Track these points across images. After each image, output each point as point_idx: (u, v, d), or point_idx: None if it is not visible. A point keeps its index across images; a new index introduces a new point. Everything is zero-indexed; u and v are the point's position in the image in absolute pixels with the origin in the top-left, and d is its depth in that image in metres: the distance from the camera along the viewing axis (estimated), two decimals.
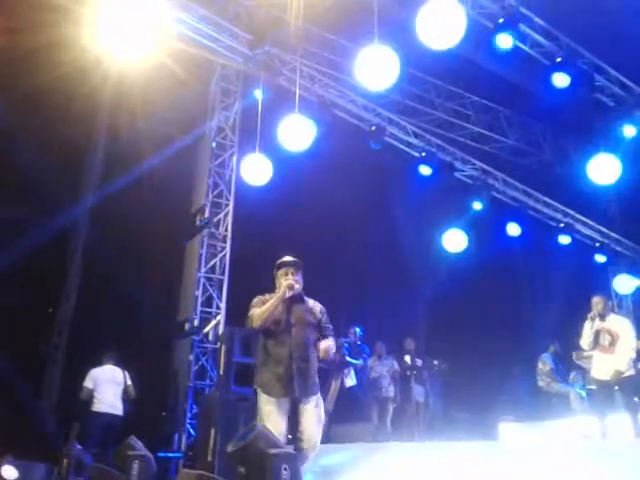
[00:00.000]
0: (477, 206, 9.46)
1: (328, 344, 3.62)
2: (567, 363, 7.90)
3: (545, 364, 8.09)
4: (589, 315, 5.81)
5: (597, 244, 10.35)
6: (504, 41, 6.58)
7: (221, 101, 9.08)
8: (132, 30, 5.93)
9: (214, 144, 8.84)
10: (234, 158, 8.78)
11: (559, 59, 6.91)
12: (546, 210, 9.95)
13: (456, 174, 9.32)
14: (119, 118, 8.77)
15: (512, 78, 8.30)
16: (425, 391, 8.17)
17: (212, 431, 6.16)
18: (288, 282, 3.64)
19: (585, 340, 5.83)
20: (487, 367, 8.54)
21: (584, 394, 7.59)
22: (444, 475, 4.53)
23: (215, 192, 8.68)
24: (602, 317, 5.78)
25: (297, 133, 6.76)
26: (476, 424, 7.67)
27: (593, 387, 6.29)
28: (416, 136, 8.97)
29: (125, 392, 6.88)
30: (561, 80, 6.96)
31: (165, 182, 8.47)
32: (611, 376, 5.57)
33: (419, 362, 8.04)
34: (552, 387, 8.10)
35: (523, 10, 6.55)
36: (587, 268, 10.48)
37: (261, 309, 3.61)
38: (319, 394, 3.73)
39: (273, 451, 2.84)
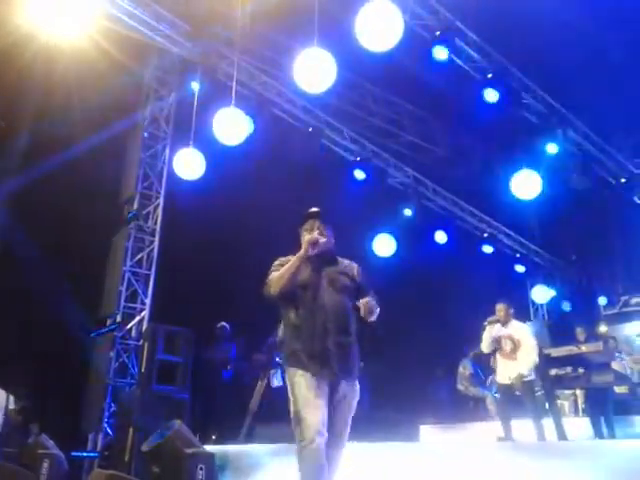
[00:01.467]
0: (407, 213, 9.71)
1: (369, 300, 2.93)
2: (486, 368, 8.21)
3: (465, 368, 8.37)
4: (489, 320, 6.05)
5: (517, 255, 10.85)
6: (440, 53, 6.78)
7: (156, 91, 8.83)
8: (65, 9, 5.68)
9: (146, 134, 8.58)
10: (167, 150, 8.56)
11: (490, 75, 7.18)
12: (472, 220, 10.32)
13: (389, 180, 9.51)
14: (49, 100, 8.35)
15: (446, 90, 8.55)
16: None
17: (130, 430, 5.97)
18: (310, 237, 2.99)
19: (485, 344, 6.08)
20: (411, 369, 8.74)
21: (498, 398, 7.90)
22: (363, 475, 4.58)
23: (145, 184, 8.43)
24: (504, 323, 6.02)
25: (232, 127, 6.67)
26: (399, 425, 7.82)
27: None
28: (352, 141, 9.09)
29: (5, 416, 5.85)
30: (491, 96, 7.24)
31: (93, 170, 8.12)
32: (513, 381, 5.82)
33: None
34: (470, 391, 8.40)
35: (459, 24, 6.76)
36: (507, 277, 10.96)
37: (279, 272, 2.98)
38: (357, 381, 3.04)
39: (189, 450, 2.79)
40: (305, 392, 2.79)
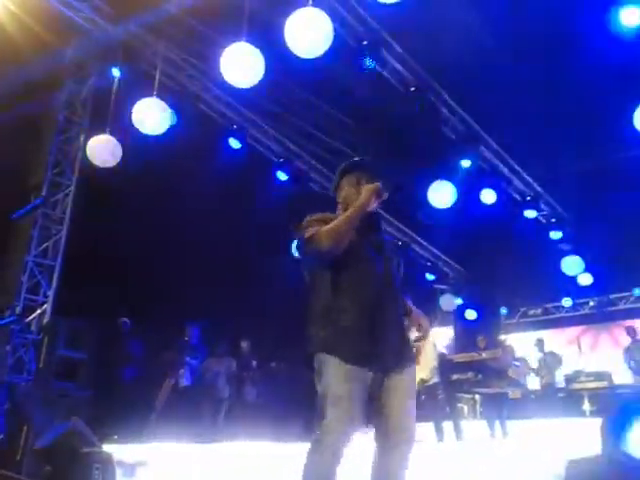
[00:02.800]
0: None
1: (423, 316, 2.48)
2: None
3: None
4: None
5: (429, 263, 11.26)
6: (366, 63, 6.93)
7: (74, 73, 8.41)
8: None
9: (61, 118, 8.16)
10: (81, 136, 8.16)
11: (413, 88, 7.43)
12: (388, 228, 10.61)
13: (311, 184, 9.59)
14: None
15: (372, 99, 8.73)
16: (258, 392, 8.25)
17: (24, 428, 5.65)
18: (376, 185, 2.43)
19: None
20: None
21: None
22: (268, 475, 4.59)
23: (56, 170, 8.00)
24: (408, 329, 6.28)
25: (153, 117, 6.48)
26: (307, 425, 7.88)
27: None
28: (276, 141, 9.09)
29: None
30: (412, 109, 7.50)
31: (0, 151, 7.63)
32: (417, 385, 6.07)
33: (254, 363, 8.11)
34: None
35: (386, 36, 6.94)
36: (419, 285, 11.35)
37: (333, 224, 2.36)
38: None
39: (85, 449, 2.68)
40: (337, 389, 2.24)
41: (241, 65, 5.30)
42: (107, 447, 4.36)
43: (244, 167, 8.60)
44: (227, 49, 5.33)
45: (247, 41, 5.73)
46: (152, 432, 6.81)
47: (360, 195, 2.44)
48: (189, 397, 7.53)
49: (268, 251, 8.84)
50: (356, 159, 2.70)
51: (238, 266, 8.79)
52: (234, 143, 8.49)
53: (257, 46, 5.69)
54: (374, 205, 2.43)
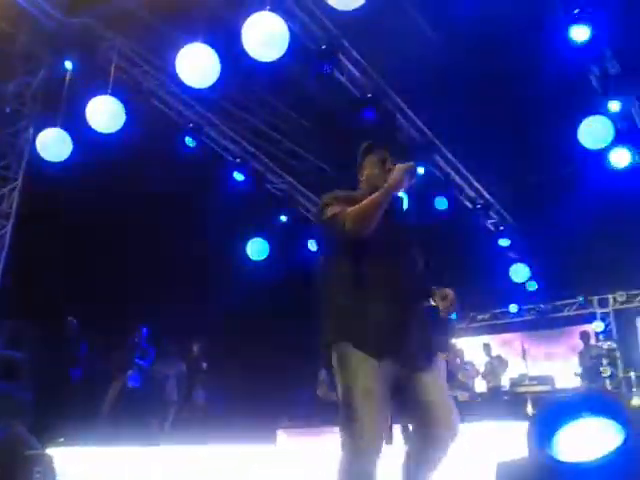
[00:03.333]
0: (283, 219, 9.85)
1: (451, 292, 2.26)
2: None
3: (323, 374, 8.61)
4: None
5: None
6: (325, 67, 6.98)
7: (25, 63, 8.13)
8: None
9: (8, 110, 7.88)
10: (30, 129, 7.90)
11: (369, 95, 7.52)
12: None
13: (267, 185, 9.57)
14: None
15: (329, 103, 8.79)
16: (208, 395, 8.17)
17: None
18: (410, 164, 2.24)
19: None
20: (273, 373, 8.81)
21: None
22: (219, 478, 4.56)
23: (2, 163, 7.74)
24: None
25: (106, 114, 6.35)
26: (256, 428, 7.85)
27: None
28: (233, 142, 9.03)
29: None
30: (369, 115, 7.59)
31: None
32: None
33: (205, 365, 8.03)
34: (329, 396, 8.66)
35: (344, 42, 7.01)
36: None
37: (360, 206, 2.19)
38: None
39: (24, 452, 2.60)
40: (366, 382, 2.06)
41: (196, 66, 5.27)
42: (51, 450, 4.23)
43: (200, 166, 8.52)
44: (182, 49, 5.30)
45: (204, 40, 5.71)
46: (98, 435, 6.65)
47: (389, 175, 2.24)
48: (137, 399, 7.39)
49: (221, 251, 8.78)
50: (380, 137, 2.59)
51: (190, 266, 8.69)
52: (190, 142, 8.38)
53: (216, 45, 5.67)
54: (404, 186, 2.21)
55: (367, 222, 2.17)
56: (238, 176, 9.02)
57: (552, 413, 1.25)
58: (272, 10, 5.42)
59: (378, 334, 2.11)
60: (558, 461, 1.16)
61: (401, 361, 2.13)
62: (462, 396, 7.59)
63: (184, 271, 8.45)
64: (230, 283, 8.35)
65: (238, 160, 8.99)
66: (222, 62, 5.79)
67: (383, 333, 2.11)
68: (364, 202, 2.20)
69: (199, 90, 7.19)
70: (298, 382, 9.09)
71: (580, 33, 6.08)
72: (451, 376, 7.33)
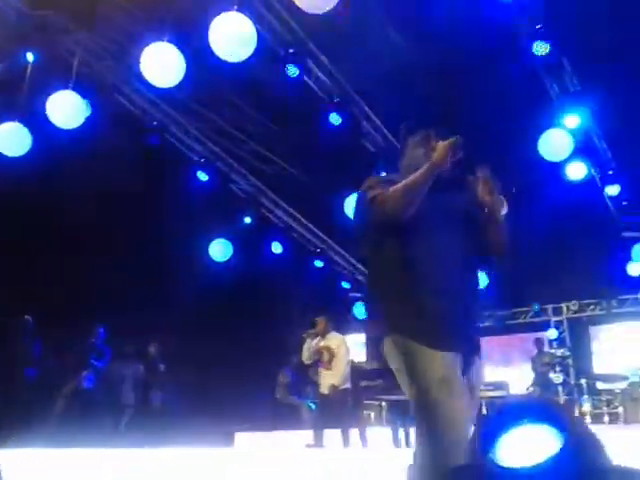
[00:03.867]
0: (247, 220, 9.82)
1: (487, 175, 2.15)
2: (304, 377, 8.52)
3: (285, 377, 8.63)
4: (308, 332, 6.41)
5: (345, 272, 11.48)
6: (292, 70, 6.99)
7: None
8: None
9: None
10: None
11: (337, 100, 7.57)
12: (308, 235, 10.72)
13: (231, 186, 9.52)
14: None
15: (296, 107, 8.80)
16: (165, 397, 8.07)
17: None
18: (453, 139, 2.07)
19: (305, 355, 6.42)
20: (231, 375, 8.76)
21: (313, 407, 8.27)
22: None
23: None
24: (322, 335, 6.41)
25: (67, 110, 6.21)
26: (214, 431, 7.79)
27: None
28: (198, 141, 8.95)
29: None
30: (335, 119, 7.64)
31: None
32: (328, 390, 6.18)
33: (162, 367, 7.92)
34: (287, 399, 8.67)
35: (312, 46, 7.04)
36: (335, 291, 11.53)
37: (401, 185, 2.05)
38: None
39: None
40: (440, 371, 1.92)
41: (161, 65, 5.21)
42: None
43: (163, 165, 8.41)
44: (147, 48, 5.24)
45: (171, 38, 5.65)
46: (50, 436, 6.49)
47: (434, 153, 2.06)
48: (91, 400, 7.24)
49: (183, 252, 8.68)
50: (423, 114, 2.40)
51: (150, 267, 8.56)
52: (154, 140, 8.27)
53: (183, 43, 5.62)
54: (448, 163, 2.05)
55: (408, 202, 2.02)
56: (202, 176, 8.94)
57: (494, 419, 1.28)
58: (240, 11, 5.42)
59: (434, 331, 1.97)
60: (499, 466, 1.20)
61: (460, 349, 2.00)
62: None
63: (143, 271, 8.32)
64: (191, 284, 8.27)
65: (203, 160, 8.91)
66: (189, 61, 5.75)
67: (437, 330, 1.97)
68: (405, 181, 2.04)
69: (165, 88, 7.12)
70: (257, 384, 9.06)
71: (541, 48, 6.26)
72: None
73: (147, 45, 5.47)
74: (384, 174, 2.25)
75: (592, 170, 7.75)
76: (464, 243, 2.13)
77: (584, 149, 7.64)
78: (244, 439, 8.53)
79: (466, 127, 7.14)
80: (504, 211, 2.19)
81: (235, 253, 9.68)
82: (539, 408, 1.26)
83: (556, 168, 7.68)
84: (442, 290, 2.00)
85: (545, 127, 7.06)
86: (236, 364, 8.87)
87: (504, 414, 1.29)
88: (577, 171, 7.62)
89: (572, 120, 7.10)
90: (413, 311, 2.00)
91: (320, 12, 5.78)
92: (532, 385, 9.14)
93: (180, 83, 5.95)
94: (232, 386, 8.66)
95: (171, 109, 8.53)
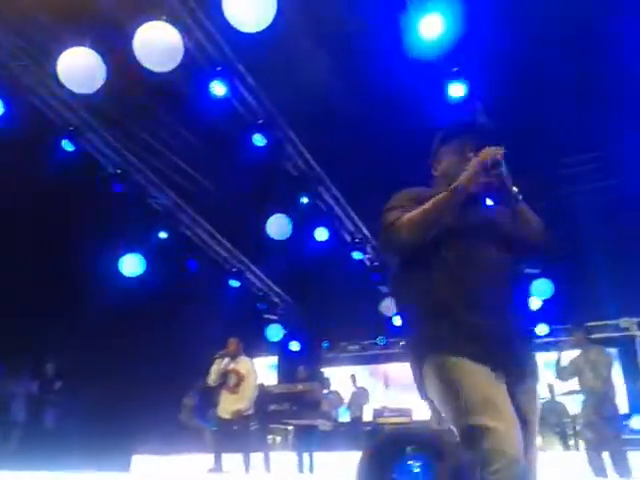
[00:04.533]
0: (162, 235, 9.58)
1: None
2: (210, 400, 8.32)
3: (190, 399, 8.41)
4: (219, 353, 6.27)
5: (260, 293, 11.42)
6: (218, 88, 6.98)
7: None
8: None
9: None
10: None
11: (261, 121, 7.62)
12: (225, 254, 10.60)
13: (148, 200, 9.28)
14: None
15: (221, 125, 8.75)
16: (59, 416, 7.63)
17: None
18: (486, 153, 1.82)
19: (213, 377, 6.26)
20: (133, 396, 8.42)
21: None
22: None
23: None
24: (233, 357, 6.30)
25: None
26: (110, 454, 7.43)
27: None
28: (116, 151, 8.67)
29: None
30: (259, 140, 7.68)
31: None
32: (232, 415, 6.06)
33: (58, 385, 7.50)
34: (191, 422, 8.44)
35: (239, 66, 7.07)
36: (249, 312, 11.42)
37: (418, 211, 1.90)
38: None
39: None
40: (484, 387, 1.73)
41: (80, 70, 5.04)
42: None
43: (76, 173, 8.06)
44: (66, 52, 5.06)
45: (93, 44, 5.50)
46: None
47: (467, 166, 1.87)
48: None
49: (91, 265, 8.31)
50: (458, 121, 2.16)
51: (53, 281, 8.11)
52: (67, 145, 7.94)
53: (106, 49, 5.47)
54: (480, 184, 1.82)
55: (424, 232, 1.89)
56: (118, 187, 8.65)
57: (380, 447, 1.33)
58: (168, 22, 5.36)
59: (470, 345, 1.80)
60: None
61: (503, 369, 1.80)
62: (324, 425, 7.71)
63: (44, 286, 7.87)
64: (99, 299, 7.91)
65: (119, 171, 8.63)
66: (111, 68, 5.60)
67: (474, 345, 1.80)
68: (424, 207, 1.89)
69: (86, 94, 6.88)
70: (161, 406, 8.76)
71: (457, 90, 6.62)
72: (316, 405, 7.44)
73: (69, 47, 5.29)
74: (412, 188, 2.06)
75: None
76: (504, 256, 1.97)
77: None
78: (142, 462, 8.20)
79: (385, 156, 7.36)
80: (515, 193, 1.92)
81: (148, 269, 9.38)
82: (420, 437, 1.32)
83: None
84: (480, 305, 1.84)
85: None
86: (141, 384, 8.54)
87: (389, 442, 1.34)
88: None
89: None
90: (450, 326, 1.85)
91: (252, 31, 5.84)
92: (432, 412, 9.35)
93: (101, 90, 5.78)
94: (135, 406, 8.31)
95: (89, 116, 8.23)
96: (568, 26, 5.92)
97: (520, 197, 1.92)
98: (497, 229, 1.99)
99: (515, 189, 1.89)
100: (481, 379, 1.75)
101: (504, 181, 1.85)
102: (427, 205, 1.89)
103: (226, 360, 6.26)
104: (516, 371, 1.83)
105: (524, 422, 1.76)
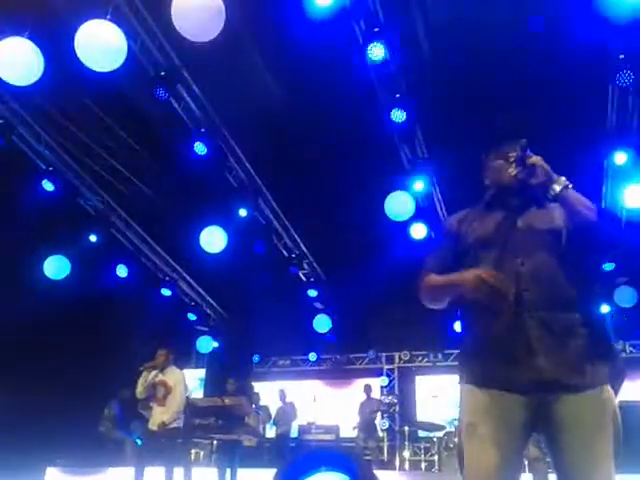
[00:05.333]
0: (92, 238, 9.25)
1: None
2: (132, 411, 8.05)
3: (110, 410, 8.10)
4: (146, 365, 6.08)
5: (193, 303, 11.21)
6: (160, 92, 6.85)
7: None
8: None
9: None
10: None
11: (203, 130, 7.54)
12: (157, 261, 10.35)
13: (80, 201, 8.96)
14: None
15: (162, 130, 8.60)
16: None
17: None
18: (478, 276, 1.77)
19: (140, 389, 6.06)
20: (49, 405, 8.02)
21: (139, 443, 7.82)
22: None
23: None
24: (162, 369, 6.12)
25: None
26: (21, 467, 7.03)
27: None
28: (49, 148, 8.34)
29: None
30: (200, 149, 7.59)
31: None
32: (158, 427, 5.88)
33: None
34: (112, 433, 8.12)
35: (184, 73, 6.99)
36: (180, 323, 11.18)
37: (430, 282, 1.96)
38: (609, 387, 1.77)
39: None
40: (471, 417, 1.78)
41: (16, 61, 4.84)
42: None
43: (2, 168, 7.68)
44: (2, 41, 4.85)
45: (32, 37, 5.30)
46: None
47: (513, 168, 1.88)
48: None
49: (12, 265, 7.90)
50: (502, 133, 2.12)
51: None
52: None
53: (47, 43, 5.28)
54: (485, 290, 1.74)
55: (431, 302, 2.01)
56: (48, 186, 8.31)
57: (294, 466, 1.33)
58: (113, 21, 5.24)
59: (485, 361, 1.80)
60: None
61: (524, 387, 1.73)
62: (249, 441, 7.60)
63: None
64: (17, 302, 7.51)
65: (51, 168, 8.29)
66: (51, 63, 5.41)
67: (490, 359, 1.79)
68: (438, 280, 1.94)
69: (22, 87, 6.59)
70: (81, 416, 8.38)
71: (397, 115, 6.80)
72: (241, 420, 7.33)
73: (3, 38, 5.07)
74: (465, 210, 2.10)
75: (431, 232, 8.42)
76: (548, 254, 1.87)
77: (426, 212, 8.33)
78: (56, 475, 7.81)
79: (326, 175, 7.41)
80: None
81: (75, 272, 9.02)
82: (335, 457, 1.33)
83: (403, 227, 8.29)
84: (501, 315, 1.78)
85: (394, 189, 7.61)
86: (60, 393, 8.15)
87: (303, 461, 1.35)
88: (419, 231, 8.29)
89: (419, 184, 7.74)
90: (467, 345, 1.92)
91: (201, 40, 5.80)
92: (358, 430, 9.42)
93: (38, 84, 5.56)
94: (53, 417, 7.91)
95: (22, 109, 7.89)
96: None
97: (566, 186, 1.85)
98: (538, 231, 1.92)
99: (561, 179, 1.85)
100: (474, 403, 1.82)
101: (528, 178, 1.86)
102: (437, 281, 1.94)
103: (154, 372, 6.07)
104: (558, 379, 1.73)
105: (582, 445, 1.69)
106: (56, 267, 8.78)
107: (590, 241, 1.83)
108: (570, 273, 1.83)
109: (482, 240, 1.92)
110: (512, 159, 1.88)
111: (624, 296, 9.01)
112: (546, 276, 1.81)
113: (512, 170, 1.90)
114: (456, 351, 11.20)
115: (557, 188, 1.82)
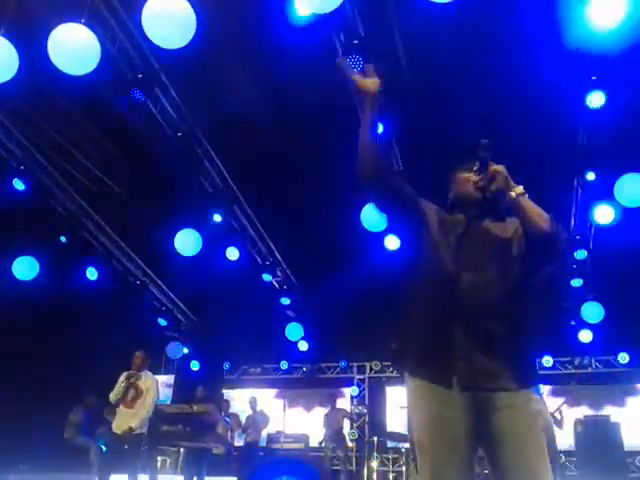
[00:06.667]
0: (63, 240, 9.11)
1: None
2: (98, 417, 7.91)
3: (75, 415, 7.94)
4: (129, 372, 6.01)
5: (163, 308, 11.07)
6: (138, 95, 6.79)
7: None
8: None
9: None
10: None
11: (180, 134, 7.50)
12: (129, 265, 10.21)
13: (51, 202, 8.80)
14: None
15: (140, 133, 8.51)
16: None
17: None
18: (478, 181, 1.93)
19: (114, 392, 5.97)
20: (17, 410, 7.83)
21: (105, 449, 7.68)
22: None
23: None
24: (139, 370, 6.06)
25: None
26: None
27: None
28: (20, 146, 8.19)
29: None
30: (175, 152, 7.55)
31: None
32: (123, 432, 5.79)
33: None
34: (77, 440, 7.96)
35: (162, 77, 6.95)
36: (150, 328, 11.02)
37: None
38: (536, 391, 1.84)
39: None
40: (420, 413, 1.76)
41: None
42: None
43: None
44: None
45: (7, 34, 5.22)
46: None
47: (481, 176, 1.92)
48: None
49: None
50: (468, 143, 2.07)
51: None
52: None
53: (23, 42, 5.21)
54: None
55: (369, 168, 2.08)
56: (19, 185, 8.16)
57: (256, 475, 1.32)
58: (90, 26, 5.20)
59: (423, 356, 1.82)
60: None
61: (468, 392, 1.74)
62: (217, 449, 7.53)
63: None
64: None
65: (22, 167, 8.14)
66: (26, 62, 5.33)
67: (428, 354, 1.81)
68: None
69: None
70: (45, 422, 8.20)
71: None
72: (210, 428, 7.26)
73: None
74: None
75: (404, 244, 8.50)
76: (492, 260, 1.92)
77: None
78: None
79: (306, 183, 7.42)
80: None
81: (44, 274, 8.85)
82: (296, 466, 1.33)
83: (379, 238, 8.34)
84: (439, 317, 1.84)
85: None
86: (24, 398, 7.96)
87: (265, 471, 1.35)
88: (392, 243, 8.37)
89: None
90: (407, 342, 1.91)
91: (171, 47, 5.77)
92: (327, 440, 9.39)
93: (12, 82, 5.47)
94: (17, 422, 7.72)
95: None
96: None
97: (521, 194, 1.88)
98: (490, 238, 1.98)
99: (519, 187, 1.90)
100: (421, 396, 1.82)
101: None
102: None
103: (131, 375, 5.99)
104: (485, 386, 1.78)
105: (517, 435, 1.72)
106: (25, 268, 8.62)
107: (542, 250, 1.86)
108: (515, 283, 1.88)
109: (433, 243, 1.98)
110: (476, 167, 1.93)
111: (591, 312, 9.17)
112: (487, 285, 1.85)
113: (474, 178, 1.97)
114: None
115: (513, 194, 1.86)
